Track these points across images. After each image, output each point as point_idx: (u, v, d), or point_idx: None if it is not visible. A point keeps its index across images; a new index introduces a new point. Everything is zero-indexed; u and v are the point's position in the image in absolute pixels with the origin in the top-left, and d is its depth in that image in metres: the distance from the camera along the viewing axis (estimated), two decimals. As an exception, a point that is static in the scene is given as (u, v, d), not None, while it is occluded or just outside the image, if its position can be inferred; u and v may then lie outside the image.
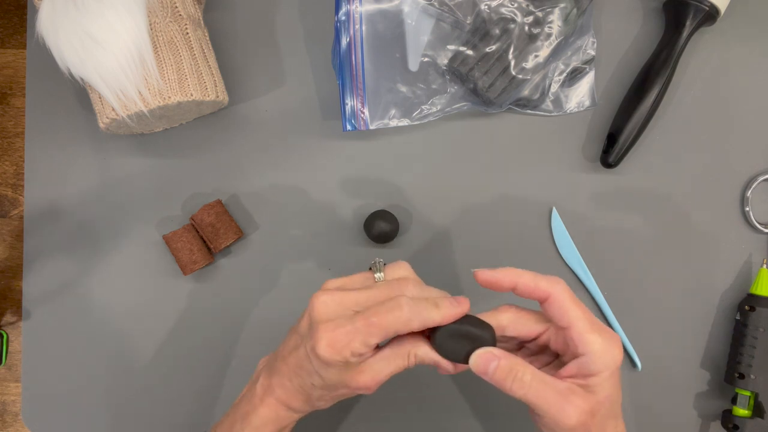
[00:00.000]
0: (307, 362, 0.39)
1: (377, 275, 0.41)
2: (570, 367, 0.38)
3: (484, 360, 0.38)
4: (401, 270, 0.42)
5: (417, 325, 0.38)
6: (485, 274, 0.40)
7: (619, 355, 0.38)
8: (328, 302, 0.38)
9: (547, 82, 0.56)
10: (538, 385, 0.37)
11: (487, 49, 0.54)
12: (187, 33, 0.51)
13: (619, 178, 0.57)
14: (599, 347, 0.37)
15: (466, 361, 0.39)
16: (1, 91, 0.59)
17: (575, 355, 0.38)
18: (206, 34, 0.54)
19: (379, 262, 0.42)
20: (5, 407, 0.59)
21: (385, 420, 0.56)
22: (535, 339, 0.41)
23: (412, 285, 0.40)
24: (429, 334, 0.40)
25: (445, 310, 0.38)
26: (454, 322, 0.39)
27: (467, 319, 0.39)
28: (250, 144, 0.58)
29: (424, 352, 0.39)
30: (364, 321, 0.37)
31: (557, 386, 0.37)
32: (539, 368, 0.39)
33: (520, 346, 0.43)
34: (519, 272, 0.39)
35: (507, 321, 0.40)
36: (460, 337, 0.39)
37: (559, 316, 0.38)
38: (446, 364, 0.39)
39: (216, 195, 0.57)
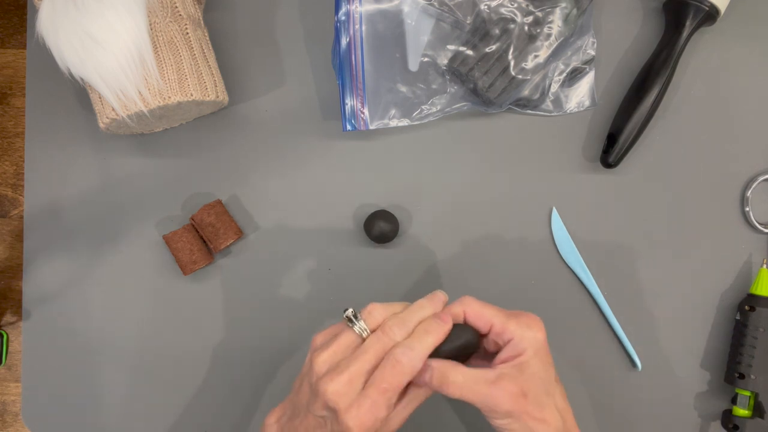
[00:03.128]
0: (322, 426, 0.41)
1: (358, 327, 0.42)
2: (503, 354, 0.42)
3: (420, 373, 0.41)
4: (377, 314, 0.43)
5: (419, 363, 0.40)
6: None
7: (539, 333, 0.42)
8: (339, 389, 0.40)
9: (547, 82, 0.56)
10: (470, 381, 0.40)
11: (487, 49, 0.54)
12: (187, 33, 0.51)
13: (619, 178, 0.57)
14: (519, 329, 0.42)
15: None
16: (1, 91, 0.59)
17: (506, 344, 0.42)
18: (206, 34, 0.54)
19: (352, 315, 0.43)
20: (5, 407, 0.59)
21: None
22: (488, 333, 0.44)
23: (396, 327, 0.42)
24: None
25: (435, 334, 0.41)
26: (446, 339, 0.42)
27: (453, 329, 0.42)
28: (250, 144, 0.58)
29: (418, 397, 0.43)
30: (378, 391, 0.40)
31: (487, 377, 0.40)
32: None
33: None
34: (423, 310, 0.43)
35: (472, 316, 0.43)
36: (456, 355, 0.42)
37: (480, 323, 0.43)
38: (454, 388, 0.42)
39: (216, 195, 0.57)
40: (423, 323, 0.42)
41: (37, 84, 0.58)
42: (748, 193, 0.56)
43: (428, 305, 0.43)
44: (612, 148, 0.54)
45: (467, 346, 0.42)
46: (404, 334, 0.41)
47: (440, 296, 0.44)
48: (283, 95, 0.58)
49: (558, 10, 0.54)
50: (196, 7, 0.53)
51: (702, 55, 0.57)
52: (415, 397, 0.43)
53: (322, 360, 0.42)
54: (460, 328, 0.42)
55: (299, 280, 0.57)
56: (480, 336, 0.43)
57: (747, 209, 0.56)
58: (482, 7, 0.54)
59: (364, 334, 0.42)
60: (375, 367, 0.41)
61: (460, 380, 0.40)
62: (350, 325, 0.42)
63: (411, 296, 0.56)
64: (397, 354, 0.40)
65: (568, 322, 0.56)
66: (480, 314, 0.43)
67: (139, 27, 0.48)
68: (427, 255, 0.57)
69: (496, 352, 0.43)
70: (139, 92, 0.49)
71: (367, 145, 0.58)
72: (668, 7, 0.55)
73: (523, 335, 0.42)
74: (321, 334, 0.44)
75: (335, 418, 0.40)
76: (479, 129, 0.57)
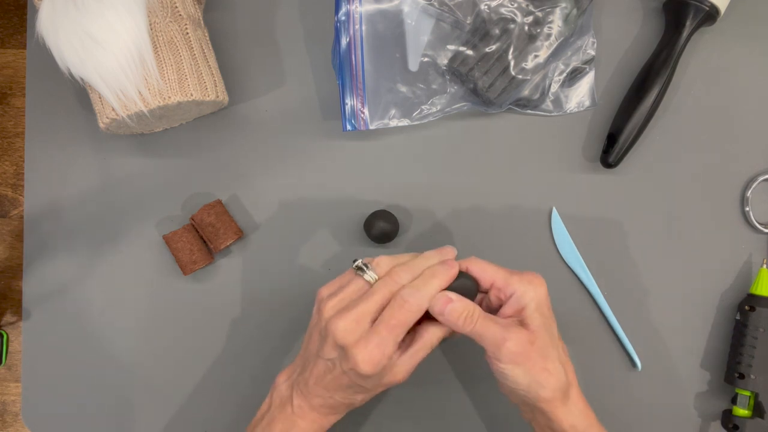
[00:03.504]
0: (348, 380, 0.43)
1: (368, 276, 0.44)
2: (506, 309, 0.44)
3: (442, 302, 0.43)
4: (384, 264, 0.45)
5: (426, 304, 0.43)
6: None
7: (540, 288, 0.44)
8: (347, 327, 0.42)
9: (547, 82, 0.56)
10: (484, 321, 0.43)
11: (487, 49, 0.54)
12: (187, 33, 0.51)
13: (619, 178, 0.57)
14: (521, 285, 0.44)
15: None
16: (1, 91, 0.59)
17: (508, 299, 0.44)
18: (206, 34, 0.54)
19: (362, 264, 0.45)
20: (5, 407, 0.59)
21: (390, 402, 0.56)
22: (489, 289, 0.46)
23: (402, 272, 0.44)
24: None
25: (441, 277, 0.44)
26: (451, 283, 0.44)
27: (458, 275, 0.45)
28: (250, 144, 0.58)
29: (437, 335, 0.45)
30: (386, 327, 0.42)
31: (499, 322, 0.43)
32: None
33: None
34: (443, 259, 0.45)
35: (476, 269, 0.46)
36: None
37: (483, 278, 0.45)
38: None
39: (216, 195, 0.57)
40: (430, 268, 0.44)
41: (37, 84, 0.58)
42: (748, 193, 0.56)
43: (435, 256, 0.45)
44: (612, 148, 0.54)
45: (466, 291, 0.44)
46: (411, 279, 0.43)
47: (449, 249, 0.46)
48: (283, 95, 0.58)
49: (558, 10, 0.54)
50: (196, 7, 0.53)
51: (702, 55, 0.57)
52: (422, 347, 0.44)
53: (331, 305, 0.44)
54: (462, 275, 0.45)
55: (299, 280, 0.57)
56: (478, 286, 0.45)
57: (747, 209, 0.56)
58: (482, 7, 0.54)
59: (373, 281, 0.44)
60: (382, 309, 0.43)
61: (476, 317, 0.43)
62: (360, 273, 0.44)
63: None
64: (405, 294, 0.42)
65: (568, 322, 0.56)
66: (483, 269, 0.45)
67: (139, 27, 0.48)
68: (427, 255, 0.57)
69: (499, 308, 0.45)
70: (139, 92, 0.49)
71: (367, 145, 0.58)
72: (668, 7, 0.55)
73: (525, 291, 0.44)
74: (326, 286, 0.46)
75: (344, 356, 0.42)
76: (479, 129, 0.57)
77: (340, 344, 0.42)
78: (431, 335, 0.45)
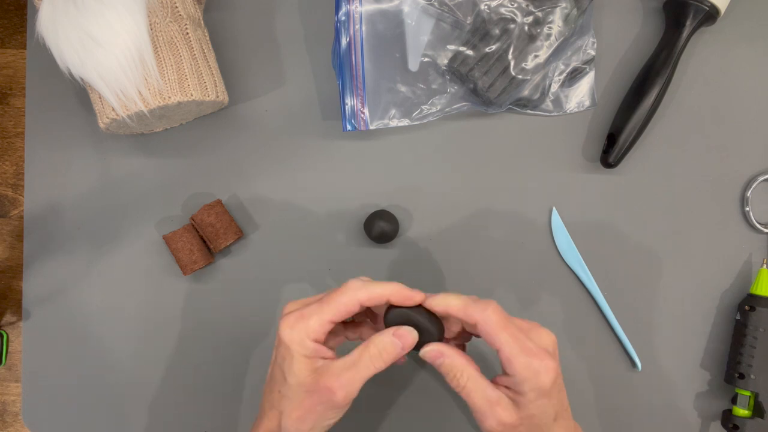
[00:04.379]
0: (277, 368, 0.41)
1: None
2: (504, 379, 0.40)
3: (433, 355, 0.40)
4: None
5: (364, 295, 0.40)
6: (426, 301, 0.41)
7: (546, 379, 0.38)
8: (291, 303, 0.42)
9: (547, 82, 0.56)
10: (472, 387, 0.39)
11: (487, 49, 0.54)
12: (187, 33, 0.51)
13: (619, 178, 0.57)
14: (525, 372, 0.38)
15: (435, 337, 0.41)
16: (1, 91, 0.59)
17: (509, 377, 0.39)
18: (206, 34, 0.54)
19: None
20: (5, 407, 0.59)
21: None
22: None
23: (357, 281, 0.41)
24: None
25: (392, 287, 0.40)
26: (408, 309, 0.41)
27: (419, 309, 0.41)
28: (250, 144, 0.58)
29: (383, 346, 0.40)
30: (317, 302, 0.40)
31: (488, 394, 0.39)
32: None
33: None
34: (450, 299, 0.40)
35: (454, 309, 0.40)
36: (410, 324, 0.41)
37: (489, 340, 0.39)
38: (396, 349, 0.40)
39: (216, 195, 0.57)
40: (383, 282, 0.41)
41: (37, 84, 0.58)
42: (748, 193, 0.56)
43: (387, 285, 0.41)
44: (612, 148, 0.54)
45: (423, 329, 0.41)
46: (362, 282, 0.40)
47: (416, 291, 0.41)
48: (283, 95, 0.58)
49: (558, 10, 0.54)
50: (196, 7, 0.53)
51: (702, 55, 0.57)
52: (365, 359, 0.39)
53: (287, 309, 0.42)
54: (429, 314, 0.41)
55: (299, 280, 0.57)
56: (443, 331, 0.42)
57: (747, 209, 0.56)
58: (482, 7, 0.54)
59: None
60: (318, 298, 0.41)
61: (463, 382, 0.39)
62: None
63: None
64: (349, 282, 0.40)
65: (568, 321, 0.56)
66: (489, 333, 0.39)
67: (139, 27, 0.48)
68: (427, 255, 0.57)
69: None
70: (139, 92, 0.49)
71: (367, 145, 0.58)
72: (668, 7, 0.55)
73: (530, 378, 0.38)
74: (292, 302, 0.43)
75: (278, 336, 0.40)
76: (479, 129, 0.57)
77: (278, 335, 0.40)
78: (375, 348, 0.40)
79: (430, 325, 0.41)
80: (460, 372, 0.40)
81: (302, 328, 0.39)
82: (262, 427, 0.42)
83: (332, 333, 0.44)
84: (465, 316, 0.40)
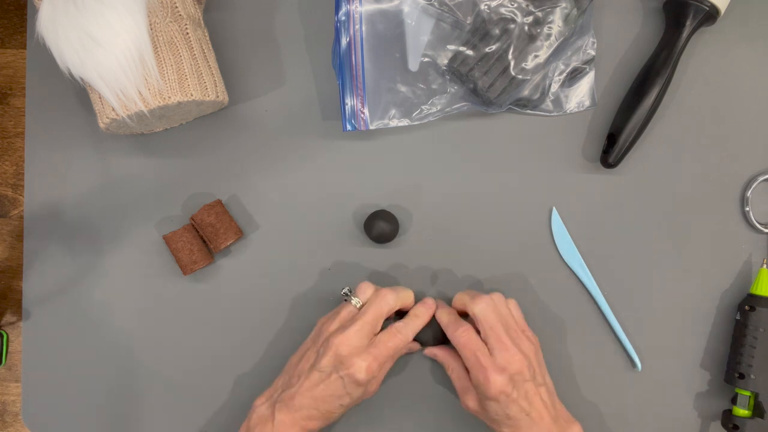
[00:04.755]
0: (340, 387, 0.49)
1: (354, 301, 0.52)
2: (472, 382, 0.50)
3: (429, 354, 0.55)
4: (368, 290, 0.52)
5: (412, 336, 0.52)
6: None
7: (489, 390, 0.47)
8: (349, 339, 0.49)
9: (547, 82, 0.56)
10: (455, 377, 0.53)
11: (487, 49, 0.54)
12: (187, 33, 0.51)
13: (619, 178, 0.57)
14: (474, 381, 0.49)
15: (433, 343, 0.54)
16: (1, 91, 0.59)
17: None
18: (206, 34, 0.54)
19: (348, 291, 0.53)
20: (5, 407, 0.59)
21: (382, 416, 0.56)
22: None
23: (387, 293, 0.52)
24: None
25: (423, 317, 0.53)
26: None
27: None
28: (250, 144, 0.58)
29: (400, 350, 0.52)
30: (383, 347, 0.50)
31: (463, 384, 0.52)
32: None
33: None
34: (441, 316, 0.53)
35: (443, 323, 0.54)
36: (427, 330, 0.54)
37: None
38: (416, 347, 0.55)
39: (216, 195, 0.57)
40: (414, 309, 0.53)
41: (37, 84, 0.58)
42: (748, 193, 0.56)
43: (421, 303, 0.54)
44: (612, 148, 0.54)
45: (436, 331, 0.54)
46: (395, 298, 0.52)
47: (431, 302, 0.54)
48: (283, 95, 0.58)
49: (558, 10, 0.54)
50: (196, 7, 0.53)
51: (702, 55, 0.57)
52: (389, 362, 0.52)
53: (332, 327, 0.51)
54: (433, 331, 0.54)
55: (299, 280, 0.57)
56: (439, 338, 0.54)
57: (747, 209, 0.56)
58: (482, 7, 0.54)
59: (358, 305, 0.51)
60: (374, 328, 0.50)
61: (450, 371, 0.53)
62: (347, 299, 0.52)
63: (411, 296, 0.56)
64: (398, 325, 0.51)
65: (568, 322, 0.56)
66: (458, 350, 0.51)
67: (139, 27, 0.48)
68: (427, 255, 0.57)
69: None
70: (139, 92, 0.49)
71: (367, 145, 0.58)
72: (668, 7, 0.55)
73: (476, 385, 0.49)
74: (323, 317, 0.53)
75: (343, 364, 0.48)
76: (479, 129, 0.57)
77: (341, 354, 0.48)
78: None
79: (430, 334, 0.54)
80: (447, 365, 0.54)
81: (376, 371, 0.49)
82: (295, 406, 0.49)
83: None
84: (447, 331, 0.52)
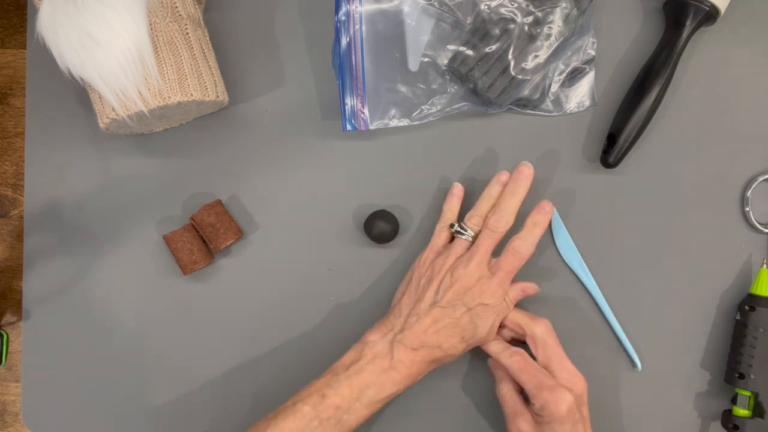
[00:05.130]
0: (467, 319, 0.50)
1: (466, 235, 0.52)
2: (535, 405, 0.48)
3: (492, 366, 0.54)
4: (476, 219, 0.53)
5: (532, 250, 0.52)
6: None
7: (557, 410, 0.46)
8: (473, 271, 0.50)
9: (547, 82, 0.56)
10: (507, 399, 0.51)
11: (487, 49, 0.54)
12: (187, 33, 0.51)
13: (619, 178, 0.57)
14: (541, 402, 0.47)
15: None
16: (1, 91, 0.59)
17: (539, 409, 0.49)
18: (206, 34, 0.54)
19: (459, 227, 0.53)
20: (5, 407, 0.59)
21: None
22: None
23: (498, 222, 0.52)
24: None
25: (541, 225, 0.53)
26: None
27: None
28: (250, 144, 0.58)
29: (522, 289, 0.54)
30: (504, 272, 0.51)
31: (516, 408, 0.50)
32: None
33: None
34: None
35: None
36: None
37: (516, 379, 0.50)
38: (532, 287, 0.54)
39: (216, 195, 0.57)
40: (531, 216, 0.53)
41: (37, 84, 0.58)
42: (748, 193, 0.56)
43: (519, 189, 0.53)
44: (612, 148, 0.54)
45: None
46: (506, 224, 0.52)
47: (522, 169, 0.54)
48: (283, 95, 0.58)
49: (558, 10, 0.54)
50: (196, 7, 0.53)
51: (702, 55, 0.57)
52: (513, 296, 0.52)
53: (449, 262, 0.51)
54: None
55: (299, 280, 0.57)
56: None
57: (747, 209, 0.56)
58: (482, 7, 0.54)
59: (470, 239, 0.52)
60: (490, 256, 0.51)
61: (503, 392, 0.51)
62: (459, 235, 0.53)
63: (411, 296, 0.56)
64: (516, 245, 0.51)
65: (568, 322, 0.56)
66: (514, 376, 0.50)
67: (139, 27, 0.48)
68: (427, 255, 0.57)
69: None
70: (139, 92, 0.49)
71: (367, 145, 0.58)
72: (668, 7, 0.55)
73: (542, 407, 0.47)
74: (425, 252, 0.53)
75: (473, 295, 0.50)
76: (479, 129, 0.57)
77: (467, 287, 0.50)
78: (515, 293, 0.53)
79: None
80: (501, 386, 0.51)
81: (502, 295, 0.51)
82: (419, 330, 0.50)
83: None
84: (501, 359, 0.51)
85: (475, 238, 0.53)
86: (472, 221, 0.53)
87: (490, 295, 0.50)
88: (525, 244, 0.52)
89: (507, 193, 0.53)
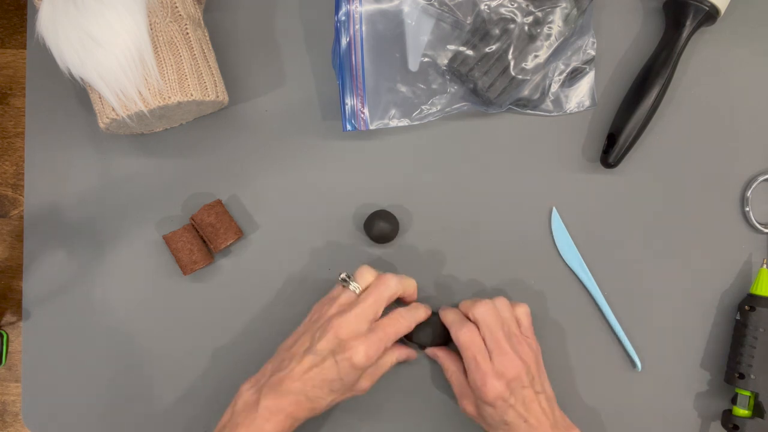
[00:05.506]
0: (335, 372, 0.48)
1: (353, 286, 0.51)
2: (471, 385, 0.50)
3: (430, 354, 0.55)
4: (368, 275, 0.52)
5: (412, 325, 0.51)
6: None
7: (486, 395, 0.47)
8: (349, 323, 0.48)
9: (547, 82, 0.56)
10: (453, 380, 0.52)
11: (487, 49, 0.54)
12: (187, 33, 0.51)
13: (619, 178, 0.57)
14: (473, 385, 0.49)
15: (431, 344, 0.54)
16: (1, 91, 0.59)
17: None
18: (206, 34, 0.54)
19: (346, 277, 0.51)
20: (5, 407, 0.59)
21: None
22: None
23: (391, 281, 0.51)
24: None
25: (422, 311, 0.53)
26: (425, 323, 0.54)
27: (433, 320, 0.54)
28: (250, 144, 0.58)
29: (399, 355, 0.53)
30: (384, 332, 0.49)
31: (462, 389, 0.51)
32: None
33: None
34: (446, 316, 0.53)
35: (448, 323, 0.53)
36: (427, 329, 0.54)
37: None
38: (413, 356, 0.55)
39: (216, 195, 0.57)
40: (416, 303, 0.53)
41: (37, 84, 0.58)
42: (748, 193, 0.56)
43: (410, 279, 0.53)
44: (612, 148, 0.54)
45: (437, 330, 0.54)
46: (397, 283, 0.51)
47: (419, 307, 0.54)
48: (283, 95, 0.58)
49: (558, 10, 0.54)
50: (196, 7, 0.53)
51: (702, 55, 0.57)
52: (384, 364, 0.52)
53: (331, 311, 0.50)
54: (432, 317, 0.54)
55: (299, 280, 0.57)
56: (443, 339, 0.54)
57: (747, 209, 0.56)
58: (482, 7, 0.54)
59: (357, 291, 0.51)
60: (375, 313, 0.49)
61: (449, 374, 0.53)
62: (345, 285, 0.51)
63: (411, 296, 0.56)
64: (401, 311, 0.51)
65: (568, 322, 0.56)
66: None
67: (139, 27, 0.48)
68: (427, 255, 0.57)
69: None
70: (139, 92, 0.49)
71: (367, 145, 0.58)
72: (668, 7, 0.55)
73: (474, 389, 0.49)
74: (319, 301, 0.53)
75: (342, 347, 0.47)
76: (479, 129, 0.57)
77: (341, 338, 0.48)
78: (391, 357, 0.52)
79: (431, 335, 0.54)
80: (446, 368, 0.53)
81: (375, 355, 0.48)
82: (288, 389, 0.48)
83: None
84: (452, 330, 0.51)
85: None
86: (363, 275, 0.51)
87: (364, 353, 0.47)
88: (408, 314, 0.51)
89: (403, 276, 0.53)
